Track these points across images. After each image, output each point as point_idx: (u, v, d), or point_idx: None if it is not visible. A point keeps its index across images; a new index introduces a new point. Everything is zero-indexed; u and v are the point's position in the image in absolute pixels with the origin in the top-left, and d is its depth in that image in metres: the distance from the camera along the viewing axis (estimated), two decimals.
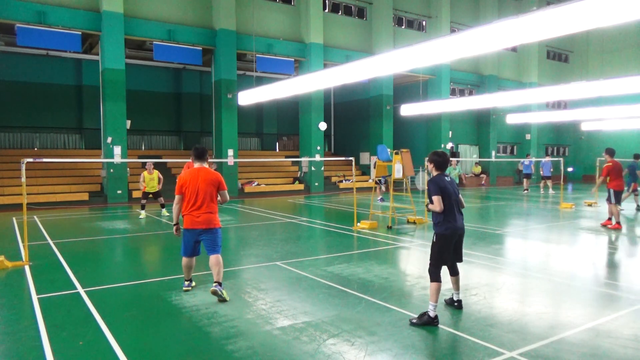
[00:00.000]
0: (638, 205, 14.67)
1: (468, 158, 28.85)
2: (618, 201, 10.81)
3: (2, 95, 21.65)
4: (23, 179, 7.37)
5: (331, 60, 22.05)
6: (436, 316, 4.56)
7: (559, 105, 33.30)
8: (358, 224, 11.12)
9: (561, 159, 17.42)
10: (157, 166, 16.97)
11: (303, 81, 12.41)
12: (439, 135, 26.25)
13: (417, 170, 22.91)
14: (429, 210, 5.01)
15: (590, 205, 15.76)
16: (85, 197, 17.26)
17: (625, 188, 14.39)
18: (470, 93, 28.95)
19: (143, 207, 13.44)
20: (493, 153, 29.08)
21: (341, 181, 24.20)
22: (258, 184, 21.68)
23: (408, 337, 4.28)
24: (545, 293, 5.78)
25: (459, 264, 5.10)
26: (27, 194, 10.66)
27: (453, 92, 28.03)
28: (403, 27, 25.68)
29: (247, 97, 15.73)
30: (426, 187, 4.93)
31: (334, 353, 3.94)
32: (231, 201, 17.69)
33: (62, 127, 23.01)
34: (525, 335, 4.32)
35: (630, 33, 29.56)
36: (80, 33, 16.79)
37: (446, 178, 4.86)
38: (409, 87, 27.50)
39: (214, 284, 5.33)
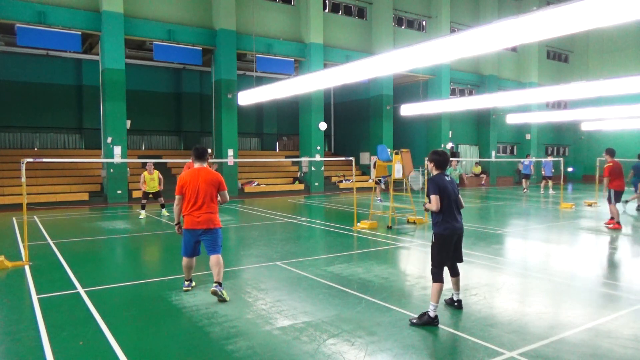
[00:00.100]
0: (639, 205, 14.67)
1: (468, 158, 28.84)
2: (618, 201, 10.81)
3: (2, 95, 21.65)
4: (23, 179, 7.37)
5: (331, 60, 22.05)
6: (436, 316, 4.56)
7: (559, 105, 33.30)
8: (358, 224, 11.12)
9: (561, 159, 17.43)
10: (157, 166, 16.96)
11: (303, 81, 12.41)
12: (439, 135, 26.25)
13: (417, 170, 22.97)
14: (426, 209, 5.01)
15: (590, 205, 15.76)
16: (85, 197, 17.26)
17: (633, 189, 14.41)
18: (470, 93, 28.95)
19: (143, 207, 13.44)
20: (493, 153, 29.07)
21: (341, 181, 24.20)
22: (258, 184, 21.68)
23: (408, 337, 4.28)
24: (545, 293, 5.78)
25: (459, 265, 5.10)
26: (27, 194, 10.65)
27: (453, 92, 28.03)
28: (403, 27, 25.68)
29: (247, 97, 15.74)
30: (426, 187, 4.93)
31: (334, 353, 3.94)
32: (231, 201, 17.70)
33: (62, 127, 23.02)
34: (525, 335, 4.32)
35: (630, 33, 29.55)
36: (80, 33, 16.79)
37: (446, 178, 4.85)
38: (409, 87, 27.50)
39: (214, 285, 5.33)
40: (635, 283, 6.20)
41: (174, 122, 26.77)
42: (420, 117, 25.55)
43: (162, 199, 13.58)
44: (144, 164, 19.17)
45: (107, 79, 17.29)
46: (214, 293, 5.29)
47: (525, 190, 22.35)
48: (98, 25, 17.03)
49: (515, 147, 31.82)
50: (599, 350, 3.97)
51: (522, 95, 17.97)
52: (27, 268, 7.07)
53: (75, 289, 5.99)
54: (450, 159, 5.51)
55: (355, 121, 27.59)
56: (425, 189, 4.91)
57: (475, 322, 4.68)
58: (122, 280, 6.54)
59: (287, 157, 25.56)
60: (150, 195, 13.35)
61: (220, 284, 5.35)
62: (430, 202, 4.76)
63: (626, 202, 14.06)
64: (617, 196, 10.78)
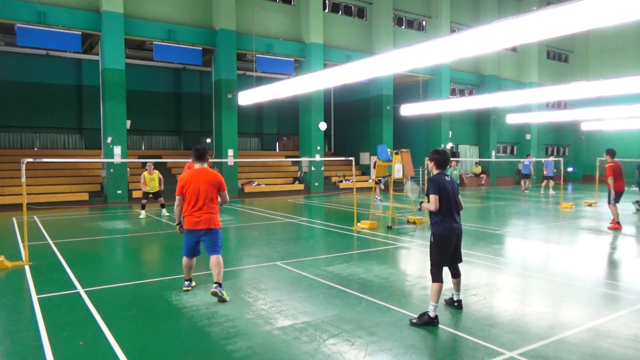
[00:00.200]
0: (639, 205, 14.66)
1: (468, 158, 28.84)
2: (617, 201, 10.82)
3: (2, 95, 21.66)
4: (23, 179, 7.37)
5: (331, 60, 22.05)
6: (436, 316, 4.55)
7: (559, 105, 33.30)
8: (358, 224, 11.12)
9: (561, 159, 17.42)
10: (157, 166, 16.96)
11: (303, 81, 12.41)
12: (439, 135, 26.25)
13: (417, 170, 22.97)
14: (419, 209, 5.01)
15: (590, 205, 15.76)
16: (85, 197, 17.26)
17: (638, 189, 14.40)
18: (470, 93, 28.95)
19: (143, 207, 13.44)
20: (493, 153, 29.07)
21: (341, 181, 24.20)
22: (258, 184, 21.68)
23: (408, 337, 4.28)
24: (545, 293, 5.78)
25: (460, 266, 5.09)
26: (27, 194, 10.65)
27: (453, 92, 28.03)
28: (403, 27, 25.68)
29: (247, 97, 15.74)
30: (425, 186, 4.92)
31: (334, 353, 3.94)
32: (231, 201, 17.70)
33: (62, 127, 23.02)
34: (525, 335, 4.32)
35: (630, 33, 29.55)
36: (80, 33, 16.79)
37: (446, 178, 4.85)
38: (409, 87, 27.50)
39: (214, 285, 5.33)
40: (635, 283, 6.20)
41: (174, 122, 26.78)
42: (420, 117, 25.55)
43: (162, 199, 13.58)
44: (144, 164, 19.17)
45: (107, 79, 17.29)
46: (214, 294, 5.29)
47: (525, 190, 22.36)
48: (98, 25, 17.03)
49: (515, 147, 31.82)
50: (599, 350, 3.97)
51: (522, 95, 17.97)
52: (27, 268, 7.07)
53: (75, 289, 5.99)
54: (450, 159, 5.49)
55: (355, 121, 27.59)
56: (425, 189, 4.90)
57: (475, 322, 4.68)
58: (122, 280, 6.54)
59: (287, 157, 25.56)
60: (150, 195, 13.35)
61: (220, 285, 5.35)
62: (429, 201, 4.76)
63: (637, 202, 14.11)
64: (617, 196, 10.79)
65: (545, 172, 21.93)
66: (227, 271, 6.48)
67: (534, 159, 24.73)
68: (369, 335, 4.32)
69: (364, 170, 26.21)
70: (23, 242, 7.83)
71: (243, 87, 18.01)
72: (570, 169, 32.93)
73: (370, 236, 9.94)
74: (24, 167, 7.24)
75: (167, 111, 26.52)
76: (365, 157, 26.40)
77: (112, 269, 7.63)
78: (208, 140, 22.23)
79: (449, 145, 26.24)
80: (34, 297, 5.60)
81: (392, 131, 25.21)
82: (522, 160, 24.90)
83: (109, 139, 17.31)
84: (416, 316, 4.66)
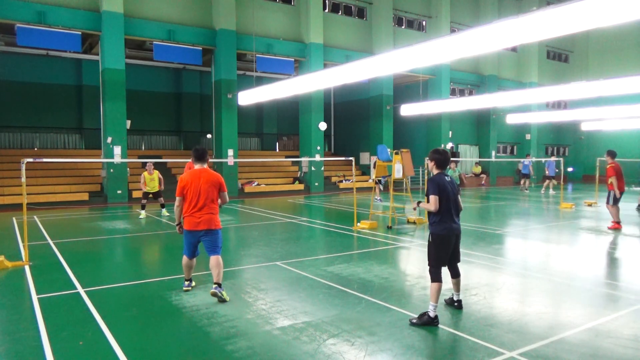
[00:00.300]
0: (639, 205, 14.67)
1: (468, 158, 28.85)
2: (616, 202, 10.83)
3: (2, 95, 21.66)
4: (23, 179, 7.37)
5: (331, 60, 22.05)
6: (436, 316, 4.55)
7: (559, 105, 33.30)
8: (358, 224, 11.12)
9: (561, 159, 17.41)
10: (157, 166, 16.96)
11: (303, 81, 12.41)
12: (439, 135, 26.25)
13: (417, 170, 22.97)
14: (414, 208, 5.00)
15: (590, 205, 15.76)
16: (85, 197, 17.26)
17: None
18: (470, 93, 28.95)
19: (143, 207, 13.44)
20: (493, 153, 29.08)
21: (341, 181, 24.20)
22: (258, 184, 21.68)
23: (408, 337, 4.28)
24: (545, 293, 5.78)
25: (459, 266, 5.09)
26: (27, 194, 10.66)
27: (453, 92, 28.03)
28: (403, 27, 25.68)
29: (247, 97, 15.73)
30: (425, 186, 4.92)
31: (334, 353, 3.94)
32: (231, 201, 17.69)
33: (62, 127, 23.02)
34: (525, 335, 4.32)
35: (630, 33, 29.55)
36: (80, 33, 16.79)
37: (446, 178, 4.85)
38: (409, 87, 27.50)
39: (214, 286, 5.33)
40: (635, 283, 6.21)
41: (174, 122, 26.78)
42: (420, 117, 25.55)
43: (162, 199, 13.58)
44: (144, 164, 19.17)
45: (107, 79, 17.29)
46: (214, 294, 5.29)
47: (525, 190, 22.35)
48: (98, 25, 17.03)
49: (515, 147, 31.82)
50: (599, 351, 3.97)
51: (522, 95, 17.96)
52: (27, 268, 7.07)
53: (75, 289, 5.99)
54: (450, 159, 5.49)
55: (355, 121, 27.59)
56: (425, 189, 4.90)
57: (475, 322, 4.68)
58: (122, 280, 6.54)
59: (287, 157, 25.56)
60: (150, 195, 13.35)
61: (220, 285, 5.35)
62: (428, 202, 4.75)
63: None
64: (617, 198, 10.81)
65: (546, 172, 21.92)
66: (227, 271, 6.48)
67: (533, 159, 24.70)
68: (369, 335, 4.32)
69: (364, 170, 26.20)
70: (23, 242, 7.83)
71: (243, 87, 18.01)
72: (570, 169, 32.93)
73: (370, 236, 9.94)
74: (24, 167, 7.24)
75: (167, 111, 26.52)
76: (365, 157, 26.40)
77: (112, 269, 7.63)
78: (209, 135, 22.17)
79: (449, 145, 26.24)
80: (34, 297, 5.60)
81: (392, 131, 25.21)
82: (522, 160, 24.91)
83: (109, 139, 17.31)
84: (416, 316, 4.66)
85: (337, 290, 5.83)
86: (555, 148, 34.47)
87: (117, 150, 17.37)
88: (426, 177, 6.76)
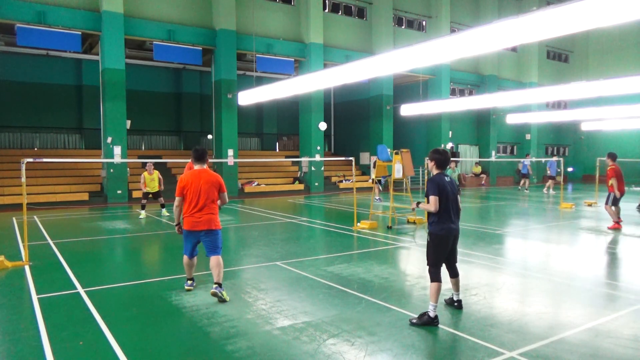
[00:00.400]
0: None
1: (468, 158, 28.85)
2: (615, 204, 10.85)
3: (2, 95, 21.66)
4: (23, 179, 7.37)
5: (331, 60, 22.05)
6: (436, 316, 4.55)
7: (559, 105, 33.30)
8: (358, 224, 11.12)
9: (561, 159, 17.40)
10: (157, 166, 16.96)
11: (303, 81, 12.41)
12: (439, 135, 26.25)
13: (417, 170, 22.96)
14: (413, 208, 5.00)
15: (590, 205, 15.76)
16: (85, 197, 17.26)
17: None
18: (470, 93, 28.94)
19: (143, 207, 13.44)
20: (493, 153, 29.08)
21: (341, 181, 24.20)
22: (258, 184, 21.68)
23: (408, 337, 4.28)
24: (545, 293, 5.78)
25: (459, 266, 5.09)
26: (27, 194, 10.66)
27: (453, 92, 28.03)
28: (403, 27, 25.68)
29: (247, 97, 15.73)
30: (425, 186, 4.92)
31: (334, 353, 3.94)
32: (231, 201, 17.69)
33: (62, 127, 23.02)
34: (525, 335, 4.32)
35: (630, 33, 29.55)
36: (80, 33, 16.79)
37: (446, 178, 4.85)
38: (409, 87, 27.50)
39: (214, 286, 5.33)
40: (635, 283, 6.21)
41: (174, 122, 26.78)
42: (420, 117, 25.54)
43: (162, 199, 13.58)
44: (144, 164, 19.17)
45: (107, 79, 17.29)
46: (214, 294, 5.30)
47: (526, 190, 22.34)
48: (98, 25, 17.03)
49: (515, 147, 31.82)
50: (599, 351, 3.97)
51: (522, 95, 17.95)
52: (27, 268, 7.07)
53: (75, 289, 5.99)
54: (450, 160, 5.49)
55: (355, 121, 27.59)
56: (425, 189, 4.90)
57: (475, 322, 4.68)
58: (122, 280, 6.54)
59: (287, 157, 25.56)
60: (150, 196, 13.36)
61: (220, 285, 5.35)
62: (428, 202, 4.75)
63: None
64: (616, 199, 10.84)
65: (548, 172, 21.91)
66: (227, 271, 6.47)
67: (533, 159, 24.68)
68: (369, 335, 4.32)
69: (364, 170, 26.21)
70: (23, 242, 7.83)
71: (243, 87, 18.00)
72: (570, 169, 32.93)
73: (370, 236, 9.94)
74: (24, 167, 7.24)
75: (167, 111, 26.52)
76: (365, 157, 26.40)
77: (112, 269, 7.63)
78: (209, 136, 22.13)
79: (449, 145, 26.24)
80: (34, 297, 5.60)
81: (392, 131, 25.21)
82: (522, 160, 24.93)
83: (109, 139, 17.31)
84: (416, 316, 4.66)
85: (337, 290, 5.83)
86: (555, 148, 34.47)
87: (117, 150, 17.38)
88: (426, 177, 6.76)
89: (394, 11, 24.63)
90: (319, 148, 22.53)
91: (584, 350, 3.98)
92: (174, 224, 5.72)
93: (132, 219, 13.24)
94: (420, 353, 3.98)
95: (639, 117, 22.64)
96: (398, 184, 16.88)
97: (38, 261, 7.55)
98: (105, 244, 9.62)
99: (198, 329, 4.54)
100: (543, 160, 26.55)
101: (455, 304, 5.08)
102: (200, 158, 5.63)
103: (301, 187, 22.42)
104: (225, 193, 5.75)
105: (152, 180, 13.22)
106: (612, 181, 10.78)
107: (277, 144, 29.35)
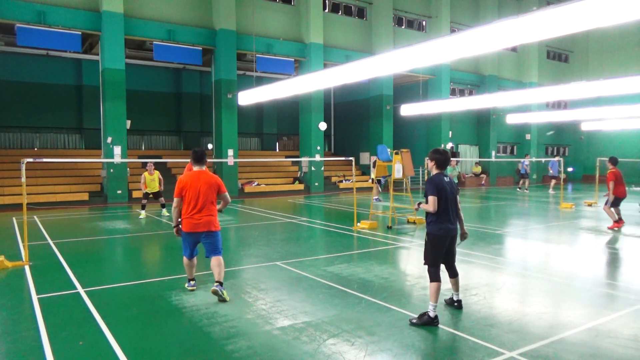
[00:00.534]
0: None
1: (468, 158, 28.85)
2: (615, 205, 10.87)
3: (2, 95, 21.66)
4: (23, 179, 7.37)
5: (331, 60, 22.05)
6: (436, 316, 4.55)
7: (559, 105, 33.29)
8: (358, 224, 11.12)
9: (561, 159, 17.40)
10: (157, 166, 16.95)
11: (303, 81, 12.41)
12: (439, 135, 26.25)
13: (417, 170, 22.96)
14: (416, 209, 5.00)
15: (590, 205, 15.75)
16: (85, 197, 17.26)
17: None
18: (470, 93, 28.94)
19: (143, 207, 13.44)
20: (493, 153, 29.07)
21: (341, 181, 24.20)
22: (258, 184, 21.68)
23: (408, 337, 4.28)
24: (545, 293, 5.78)
25: (459, 266, 5.09)
26: (27, 194, 10.66)
27: (453, 92, 28.02)
28: (403, 27, 25.68)
29: (247, 97, 15.74)
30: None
31: (334, 353, 3.94)
32: (231, 201, 17.66)
33: (62, 127, 23.02)
34: (525, 335, 4.32)
35: (630, 33, 29.55)
36: (80, 33, 16.79)
37: (445, 178, 4.85)
38: (409, 87, 27.50)
39: (215, 284, 5.34)
40: (635, 283, 6.21)
41: (174, 122, 26.78)
42: (420, 117, 25.54)
43: (162, 199, 13.58)
44: (144, 164, 19.18)
45: (107, 79, 17.29)
46: (215, 292, 5.30)
47: (525, 190, 22.34)
48: (98, 25, 17.02)
49: (515, 147, 31.82)
50: (599, 351, 3.97)
51: (522, 95, 17.96)
52: (27, 268, 7.07)
53: (75, 289, 5.99)
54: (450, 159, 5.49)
55: (355, 121, 27.59)
56: (424, 189, 4.90)
57: (475, 322, 4.68)
58: (122, 280, 6.54)
59: (287, 157, 25.56)
60: (151, 196, 13.36)
61: (221, 284, 5.36)
62: (427, 202, 4.75)
63: None
64: (618, 201, 10.86)
65: (550, 172, 21.89)
66: (227, 271, 6.47)
67: (533, 159, 24.66)
68: (369, 335, 4.32)
69: (364, 170, 26.20)
70: (23, 242, 7.83)
71: (243, 87, 18.01)
72: (570, 169, 32.93)
73: (370, 236, 9.94)
74: (24, 167, 7.24)
75: (167, 111, 26.52)
76: (365, 157, 26.40)
77: (112, 269, 7.63)
78: (210, 146, 22.03)
79: (449, 145, 26.23)
80: (34, 297, 5.60)
81: (392, 131, 25.20)
82: (521, 160, 24.93)
83: (109, 139, 17.31)
84: (416, 316, 4.66)
85: (337, 290, 5.83)
86: (555, 148, 34.46)
87: (117, 150, 17.37)
88: (426, 177, 6.76)
89: (394, 11, 24.63)
90: (319, 148, 22.53)
91: (584, 350, 3.98)
92: (173, 225, 5.70)
93: (132, 219, 13.24)
94: (420, 353, 3.98)
95: (639, 117, 22.64)
96: (398, 184, 16.88)
97: (38, 261, 7.55)
98: (106, 244, 9.62)
99: (198, 329, 4.54)
100: (543, 160, 26.54)
101: (455, 304, 5.08)
102: (199, 160, 5.63)
103: (301, 187, 22.42)
104: (227, 193, 5.74)
105: (152, 181, 13.22)
106: (610, 185, 10.87)
107: (277, 144, 29.35)
